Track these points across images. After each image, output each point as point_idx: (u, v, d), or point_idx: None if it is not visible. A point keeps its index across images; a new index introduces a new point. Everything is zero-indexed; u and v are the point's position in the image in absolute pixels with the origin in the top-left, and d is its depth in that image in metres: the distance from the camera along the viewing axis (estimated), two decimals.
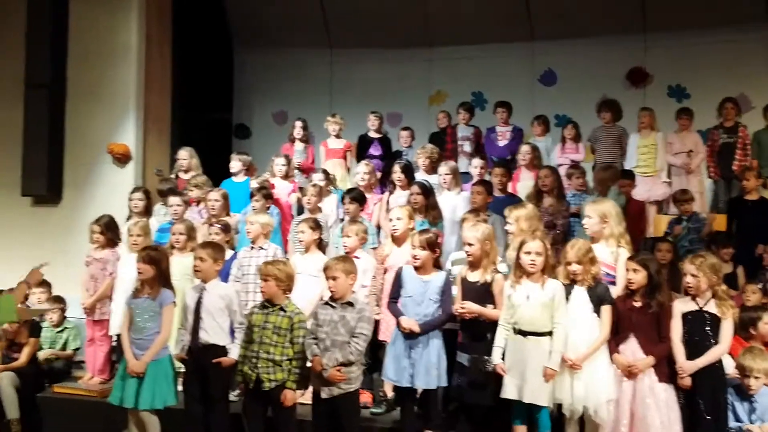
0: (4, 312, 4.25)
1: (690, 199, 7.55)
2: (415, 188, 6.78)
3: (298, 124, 9.20)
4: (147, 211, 7.49)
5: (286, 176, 8.33)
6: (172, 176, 8.40)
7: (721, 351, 4.85)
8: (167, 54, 9.22)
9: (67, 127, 8.57)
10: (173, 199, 7.36)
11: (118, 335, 5.91)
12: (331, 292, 4.99)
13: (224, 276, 5.86)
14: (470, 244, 5.18)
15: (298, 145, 9.13)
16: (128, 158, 8.49)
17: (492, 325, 5.07)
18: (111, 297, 6.68)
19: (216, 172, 8.31)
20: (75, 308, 7.14)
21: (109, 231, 6.80)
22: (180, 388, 5.46)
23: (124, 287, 6.41)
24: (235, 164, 8.37)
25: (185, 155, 8.47)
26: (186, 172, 8.41)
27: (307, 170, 8.93)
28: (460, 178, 7.63)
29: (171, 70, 9.29)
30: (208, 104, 10.40)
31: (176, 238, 6.53)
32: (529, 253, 4.97)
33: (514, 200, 7.08)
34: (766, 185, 8.04)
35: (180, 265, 6.14)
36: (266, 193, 7.43)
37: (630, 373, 4.83)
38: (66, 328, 7.27)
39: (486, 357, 5.01)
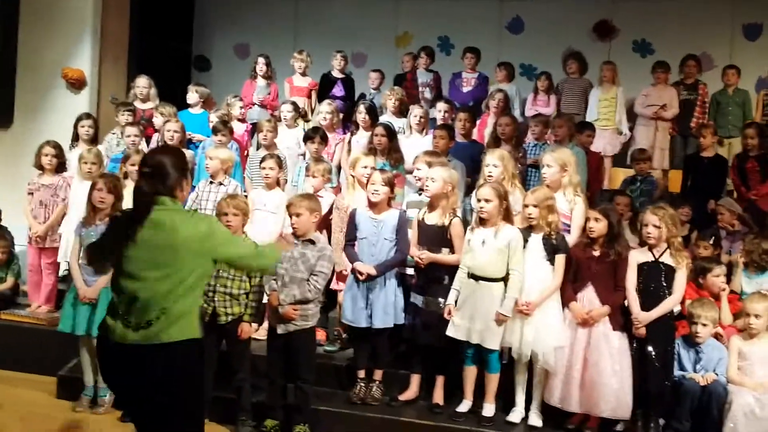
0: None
1: (648, 158, 7.60)
2: (380, 129, 6.67)
3: (261, 60, 8.94)
4: (94, 140, 7.28)
5: (243, 119, 8.26)
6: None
7: (675, 301, 4.96)
8: None
9: (19, 48, 8.21)
10: (130, 129, 7.17)
11: (68, 263, 5.81)
12: (294, 229, 4.92)
13: None
14: (434, 180, 5.14)
15: (261, 81, 8.91)
16: (83, 84, 8.19)
17: (447, 268, 5.10)
18: (60, 224, 6.54)
19: (173, 103, 8.08)
20: (18, 236, 6.96)
21: (62, 155, 6.64)
22: None
23: (71, 215, 6.28)
24: (193, 96, 8.28)
25: (144, 83, 8.22)
26: (143, 101, 8.20)
27: (270, 107, 8.76)
28: (429, 123, 7.57)
29: None
30: (168, 33, 10.05)
31: (136, 168, 6.34)
32: (479, 200, 4.99)
33: (476, 146, 7.07)
34: (721, 144, 8.19)
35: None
36: (231, 128, 7.42)
37: (585, 321, 4.91)
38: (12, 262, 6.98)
39: (440, 299, 5.06)
